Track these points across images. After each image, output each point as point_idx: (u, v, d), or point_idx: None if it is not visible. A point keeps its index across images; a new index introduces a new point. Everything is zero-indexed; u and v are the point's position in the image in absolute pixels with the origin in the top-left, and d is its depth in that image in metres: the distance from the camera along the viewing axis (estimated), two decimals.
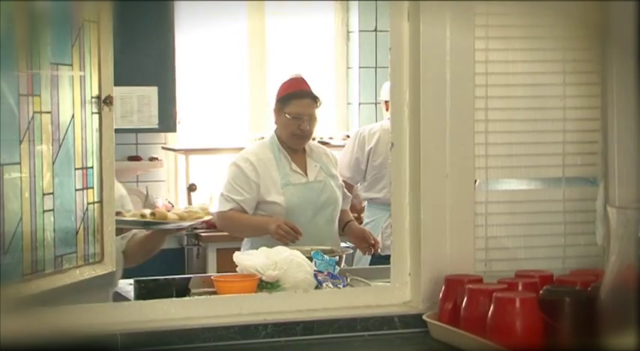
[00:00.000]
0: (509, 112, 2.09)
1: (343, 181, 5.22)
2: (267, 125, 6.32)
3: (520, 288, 1.83)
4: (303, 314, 1.85)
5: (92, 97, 2.93)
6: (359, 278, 2.94)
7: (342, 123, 6.61)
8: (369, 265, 4.86)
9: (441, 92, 2.02)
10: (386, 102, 5.38)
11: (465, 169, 2.05)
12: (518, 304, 1.70)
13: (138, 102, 5.38)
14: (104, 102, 3.01)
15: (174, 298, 1.94)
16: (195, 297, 2.36)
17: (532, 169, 2.13)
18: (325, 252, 3.08)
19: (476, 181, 2.08)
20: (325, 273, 2.84)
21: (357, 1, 6.46)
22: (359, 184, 5.34)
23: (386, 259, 4.87)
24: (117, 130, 5.75)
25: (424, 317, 1.93)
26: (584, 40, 2.10)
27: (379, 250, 4.90)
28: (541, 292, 1.77)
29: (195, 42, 6.11)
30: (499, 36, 2.07)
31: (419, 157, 2.03)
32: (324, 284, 2.76)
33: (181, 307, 1.94)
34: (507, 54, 2.08)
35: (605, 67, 2.06)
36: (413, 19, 2.03)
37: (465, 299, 1.82)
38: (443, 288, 1.92)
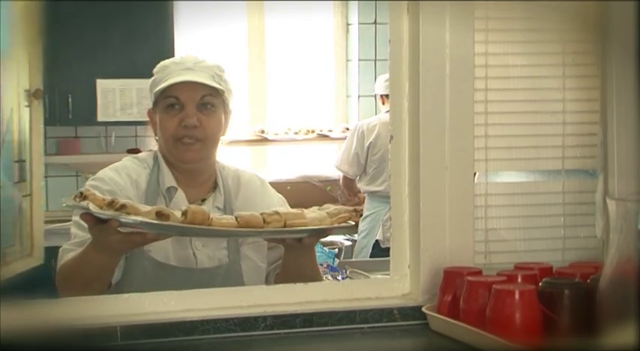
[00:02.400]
0: (508, 104, 2.08)
1: (343, 176, 5.23)
2: (267, 119, 6.33)
3: (519, 280, 1.83)
4: (303, 306, 1.84)
5: (25, 91, 2.96)
6: (358, 270, 2.94)
7: (342, 116, 6.61)
8: (370, 257, 4.87)
9: (440, 85, 2.01)
10: (382, 96, 5.38)
11: (465, 162, 2.04)
12: (517, 296, 1.69)
13: (137, 94, 5.38)
14: (33, 95, 3.02)
15: (173, 291, 1.94)
16: (195, 290, 2.36)
17: (532, 161, 2.12)
18: (325, 244, 3.08)
19: (475, 174, 2.07)
20: (325, 265, 2.84)
21: (356, 1, 6.45)
22: (357, 178, 5.34)
23: (387, 252, 4.89)
24: (117, 123, 5.74)
25: (423, 309, 1.93)
26: (583, 32, 2.09)
27: (382, 243, 4.88)
28: (540, 284, 1.76)
29: (194, 35, 6.11)
30: (499, 28, 2.06)
31: (418, 149, 2.02)
32: (324, 277, 2.76)
33: (181, 299, 1.93)
34: (507, 46, 2.08)
35: (605, 60, 2.05)
36: (412, 13, 2.02)
37: (464, 291, 1.82)
38: (442, 280, 1.92)
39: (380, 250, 4.73)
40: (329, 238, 4.09)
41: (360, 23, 6.38)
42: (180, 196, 2.39)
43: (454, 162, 2.03)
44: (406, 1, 2.02)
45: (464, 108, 2.03)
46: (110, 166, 2.43)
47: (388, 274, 2.10)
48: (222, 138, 2.46)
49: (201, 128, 2.36)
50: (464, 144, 2.03)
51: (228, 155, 5.51)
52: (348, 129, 5.89)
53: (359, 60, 6.40)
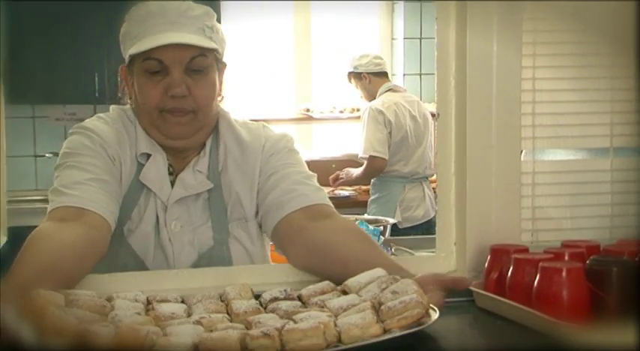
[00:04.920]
0: (556, 81, 2.06)
1: (372, 156, 5.05)
2: (313, 97, 6.33)
3: (566, 258, 1.81)
4: (349, 283, 1.84)
5: None
6: (403, 248, 2.94)
7: None
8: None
9: (487, 62, 1.99)
10: (350, 73, 5.22)
11: (512, 139, 2.02)
12: (564, 273, 1.67)
13: None
14: None
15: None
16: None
17: (579, 139, 2.10)
18: (370, 222, 3.08)
19: (522, 152, 2.06)
20: None
21: None
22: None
23: (406, 232, 4.79)
24: None
25: (470, 286, 1.92)
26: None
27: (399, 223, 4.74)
28: (588, 261, 1.75)
29: (242, 21, 6.12)
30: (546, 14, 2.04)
31: (464, 127, 2.01)
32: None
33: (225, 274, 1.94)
34: (555, 24, 2.05)
35: None
36: None
37: (511, 269, 1.81)
38: (488, 257, 1.91)
39: (399, 233, 4.58)
40: (374, 216, 4.07)
41: (405, 2, 6.34)
42: (155, 162, 2.01)
43: (501, 140, 2.01)
44: None
45: (511, 85, 2.01)
46: (100, 115, 2.09)
47: (433, 252, 2.09)
48: (218, 99, 2.07)
49: (191, 97, 1.96)
50: (511, 121, 2.02)
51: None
52: None
53: (404, 38, 6.37)
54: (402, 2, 6.34)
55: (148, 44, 1.93)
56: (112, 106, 2.13)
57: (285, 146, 2.12)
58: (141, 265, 2.00)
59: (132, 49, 1.96)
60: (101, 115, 2.09)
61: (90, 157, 1.97)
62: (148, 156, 2.03)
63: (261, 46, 6.25)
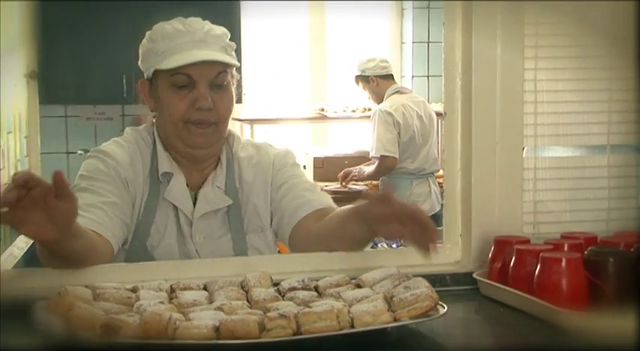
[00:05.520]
0: (556, 82, 2.04)
1: (384, 156, 5.04)
2: (327, 98, 6.31)
3: (566, 248, 1.79)
4: (361, 272, 1.83)
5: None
6: None
7: None
8: None
9: (491, 64, 1.97)
10: (358, 76, 5.18)
11: (514, 137, 2.00)
12: (564, 263, 1.66)
13: None
14: (29, 76, 3.06)
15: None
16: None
17: (578, 136, 2.08)
18: None
19: (524, 149, 2.04)
20: None
21: None
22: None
23: None
24: None
25: (474, 275, 1.91)
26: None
27: None
28: (586, 252, 1.73)
29: (260, 23, 6.11)
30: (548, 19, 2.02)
31: (470, 125, 1.99)
32: (379, 245, 2.76)
33: (246, 264, 1.93)
34: (556, 27, 2.03)
35: None
36: None
37: (513, 259, 1.79)
38: (492, 248, 1.89)
39: None
40: None
41: (414, 7, 6.32)
42: (177, 181, 2.05)
43: (504, 138, 1.99)
44: None
45: (514, 86, 1.99)
46: (114, 141, 2.09)
47: (440, 243, 2.08)
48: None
49: (215, 110, 1.99)
50: (513, 120, 2.00)
51: (290, 132, 5.51)
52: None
53: (413, 42, 6.35)
54: (410, 8, 6.31)
55: (180, 61, 1.95)
56: (127, 129, 2.15)
57: (291, 160, 2.18)
58: None
59: (161, 64, 1.98)
60: (117, 139, 2.10)
61: (102, 182, 1.97)
62: (169, 175, 2.05)
63: (278, 47, 6.24)
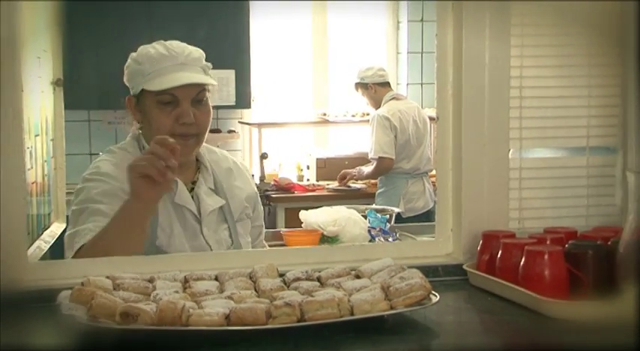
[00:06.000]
0: (540, 90, 2.06)
1: (382, 157, 5.06)
2: (329, 103, 6.32)
3: (548, 242, 1.81)
4: (360, 264, 1.85)
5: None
6: (406, 233, 2.94)
7: None
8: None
9: (480, 72, 1.99)
10: (358, 83, 5.19)
11: (501, 140, 2.02)
12: (546, 256, 1.68)
13: (218, 83, 5.42)
14: (55, 83, 3.09)
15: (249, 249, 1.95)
16: (268, 248, 2.39)
17: (560, 139, 2.10)
18: (378, 211, 3.08)
19: (510, 150, 2.06)
20: (378, 229, 2.85)
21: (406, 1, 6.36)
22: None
23: (409, 222, 4.79)
24: None
25: (464, 267, 1.93)
26: (607, 37, 2.05)
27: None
28: (567, 245, 1.75)
29: (266, 31, 6.10)
30: (533, 31, 2.03)
31: (460, 128, 2.01)
32: (376, 238, 2.77)
33: (254, 257, 1.95)
34: (539, 39, 2.05)
35: (625, 56, 2.02)
36: (456, 10, 2.00)
37: (500, 251, 1.81)
38: (481, 242, 1.91)
39: (402, 221, 4.57)
40: (381, 206, 4.07)
41: (409, 21, 6.34)
42: (180, 185, 2.12)
43: (491, 140, 2.01)
44: (451, 1, 2.00)
45: (500, 92, 2.01)
46: (106, 159, 2.13)
47: (433, 237, 2.10)
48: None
49: (196, 124, 2.09)
50: (500, 124, 2.02)
51: (294, 134, 5.50)
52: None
53: (407, 52, 6.36)
54: (405, 22, 6.32)
55: (166, 84, 2.07)
56: (128, 137, 2.21)
57: (242, 163, 2.37)
58: None
59: (149, 85, 2.09)
60: (105, 157, 2.14)
61: (101, 204, 2.00)
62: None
63: (283, 51, 6.24)
